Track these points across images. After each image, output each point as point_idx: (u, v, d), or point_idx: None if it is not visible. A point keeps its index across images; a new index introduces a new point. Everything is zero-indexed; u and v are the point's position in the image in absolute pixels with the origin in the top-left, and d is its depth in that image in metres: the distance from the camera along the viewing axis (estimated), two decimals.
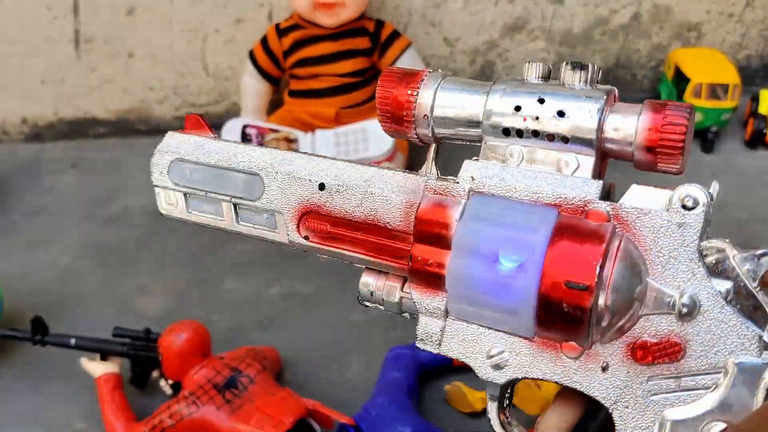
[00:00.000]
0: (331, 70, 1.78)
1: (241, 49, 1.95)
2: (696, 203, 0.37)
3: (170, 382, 1.22)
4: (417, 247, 0.41)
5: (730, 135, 1.97)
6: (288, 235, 0.46)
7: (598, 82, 0.41)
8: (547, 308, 0.37)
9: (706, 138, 1.91)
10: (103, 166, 1.97)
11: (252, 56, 1.86)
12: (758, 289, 0.37)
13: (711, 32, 2.14)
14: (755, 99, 1.95)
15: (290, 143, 1.73)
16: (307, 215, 0.45)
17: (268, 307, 1.47)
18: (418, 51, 1.90)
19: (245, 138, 1.71)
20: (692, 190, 0.37)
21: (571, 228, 0.38)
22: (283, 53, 1.82)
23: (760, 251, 0.37)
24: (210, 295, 1.51)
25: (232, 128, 1.73)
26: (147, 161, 0.51)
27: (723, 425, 0.36)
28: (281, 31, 1.82)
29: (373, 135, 1.73)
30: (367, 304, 0.45)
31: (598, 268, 0.36)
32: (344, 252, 0.45)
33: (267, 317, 1.45)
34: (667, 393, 0.37)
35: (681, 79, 1.94)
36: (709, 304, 0.36)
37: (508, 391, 0.43)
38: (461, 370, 1.25)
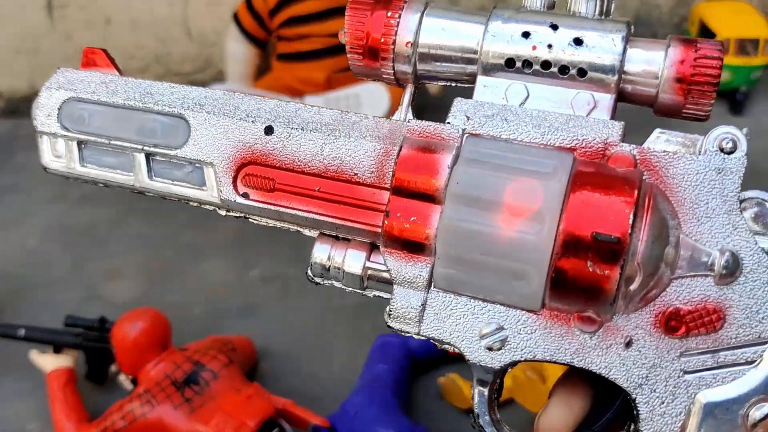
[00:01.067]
0: (321, 29, 1.64)
1: (227, 11, 1.81)
2: (735, 146, 0.32)
3: (131, 377, 1.10)
4: (395, 202, 0.34)
5: (762, 95, 1.82)
6: (220, 192, 0.37)
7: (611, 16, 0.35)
8: (565, 268, 0.31)
9: (735, 99, 1.77)
10: None
11: (236, 18, 1.71)
12: None
13: None
14: None
15: None
16: (248, 167, 0.37)
17: (247, 292, 1.35)
18: None
19: None
20: (731, 130, 0.32)
21: (595, 174, 0.32)
22: (269, 12, 1.67)
23: None
24: (185, 279, 1.39)
25: None
26: None
27: None
28: None
29: (367, 100, 1.61)
30: (318, 280, 0.37)
31: (631, 216, 0.30)
32: (296, 212, 0.36)
33: (246, 302, 1.32)
34: (702, 371, 0.32)
35: (706, 36, 1.78)
36: (752, 264, 0.31)
37: (498, 380, 0.35)
38: (457, 360, 1.11)
